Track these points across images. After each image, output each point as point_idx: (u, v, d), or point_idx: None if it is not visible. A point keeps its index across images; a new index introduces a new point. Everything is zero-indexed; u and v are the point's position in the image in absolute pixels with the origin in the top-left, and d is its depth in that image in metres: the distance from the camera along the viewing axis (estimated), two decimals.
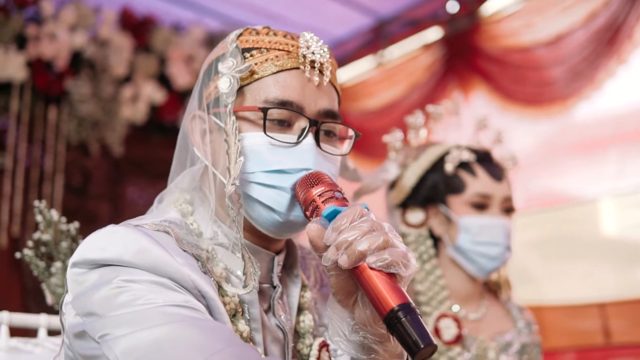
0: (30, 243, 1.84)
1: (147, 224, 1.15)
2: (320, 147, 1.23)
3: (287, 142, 1.20)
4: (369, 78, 5.79)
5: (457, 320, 2.02)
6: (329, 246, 1.02)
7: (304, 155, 1.20)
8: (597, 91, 4.05)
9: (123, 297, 1.02)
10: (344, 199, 1.09)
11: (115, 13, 5.20)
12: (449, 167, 2.13)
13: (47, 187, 4.90)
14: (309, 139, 1.21)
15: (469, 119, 2.30)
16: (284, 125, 1.22)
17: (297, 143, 1.21)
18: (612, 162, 4.27)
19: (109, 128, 5.15)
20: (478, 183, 2.11)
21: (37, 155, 4.93)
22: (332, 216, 1.04)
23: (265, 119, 1.19)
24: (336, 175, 1.27)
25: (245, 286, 1.15)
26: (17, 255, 1.84)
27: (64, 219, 1.86)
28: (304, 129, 1.22)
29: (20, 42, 4.76)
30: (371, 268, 0.98)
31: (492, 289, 2.28)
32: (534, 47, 4.47)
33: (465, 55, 4.97)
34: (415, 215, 2.16)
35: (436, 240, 2.18)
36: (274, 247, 1.30)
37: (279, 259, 1.30)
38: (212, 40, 5.48)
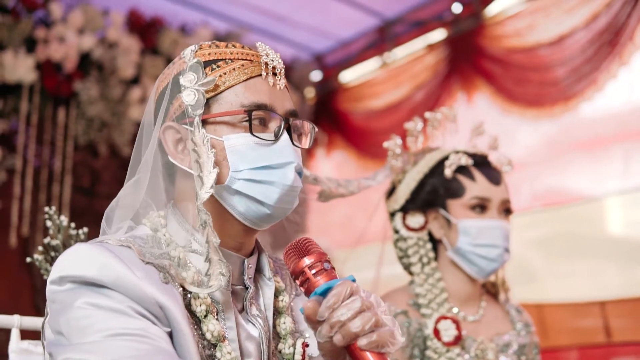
0: (40, 248, 1.89)
1: (111, 239, 1.24)
2: (293, 143, 1.34)
3: (270, 140, 1.31)
4: (373, 78, 5.83)
5: (456, 321, 2.05)
6: (322, 321, 1.10)
7: (284, 150, 1.31)
8: (598, 92, 4.07)
9: (83, 323, 1.12)
10: (332, 268, 1.16)
11: (123, 15, 5.24)
12: (448, 171, 2.16)
13: (56, 187, 4.96)
14: (285, 135, 1.33)
15: (472, 119, 2.32)
16: (262, 125, 1.32)
17: (276, 140, 1.31)
18: (617, 160, 4.28)
19: (117, 129, 5.20)
20: (477, 187, 2.14)
21: (46, 156, 4.98)
22: (324, 292, 1.11)
23: (250, 120, 1.29)
24: (302, 165, 1.37)
25: (209, 287, 1.23)
26: (28, 260, 1.90)
27: (73, 225, 1.91)
28: (279, 127, 1.32)
29: (30, 44, 4.81)
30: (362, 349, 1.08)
31: (491, 290, 2.31)
32: (537, 47, 4.49)
33: (469, 56, 4.99)
34: (416, 219, 2.20)
35: (435, 244, 2.22)
36: (244, 251, 1.38)
37: (249, 262, 1.38)
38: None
